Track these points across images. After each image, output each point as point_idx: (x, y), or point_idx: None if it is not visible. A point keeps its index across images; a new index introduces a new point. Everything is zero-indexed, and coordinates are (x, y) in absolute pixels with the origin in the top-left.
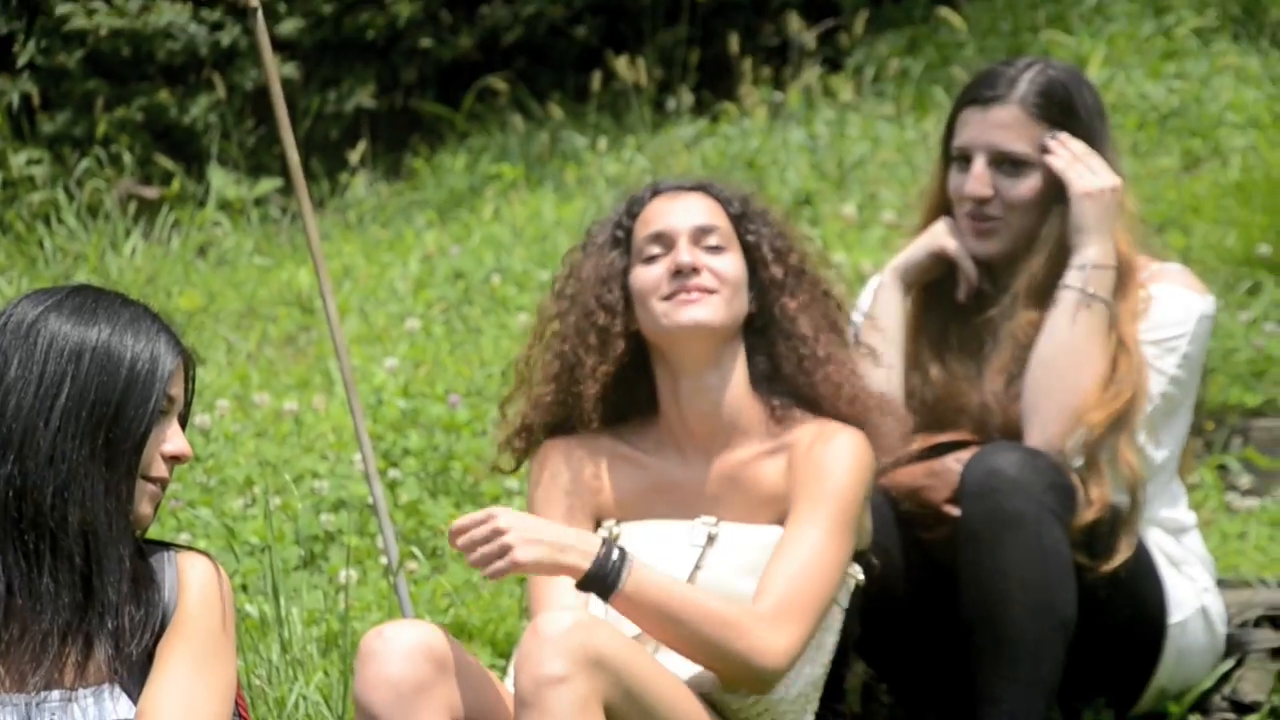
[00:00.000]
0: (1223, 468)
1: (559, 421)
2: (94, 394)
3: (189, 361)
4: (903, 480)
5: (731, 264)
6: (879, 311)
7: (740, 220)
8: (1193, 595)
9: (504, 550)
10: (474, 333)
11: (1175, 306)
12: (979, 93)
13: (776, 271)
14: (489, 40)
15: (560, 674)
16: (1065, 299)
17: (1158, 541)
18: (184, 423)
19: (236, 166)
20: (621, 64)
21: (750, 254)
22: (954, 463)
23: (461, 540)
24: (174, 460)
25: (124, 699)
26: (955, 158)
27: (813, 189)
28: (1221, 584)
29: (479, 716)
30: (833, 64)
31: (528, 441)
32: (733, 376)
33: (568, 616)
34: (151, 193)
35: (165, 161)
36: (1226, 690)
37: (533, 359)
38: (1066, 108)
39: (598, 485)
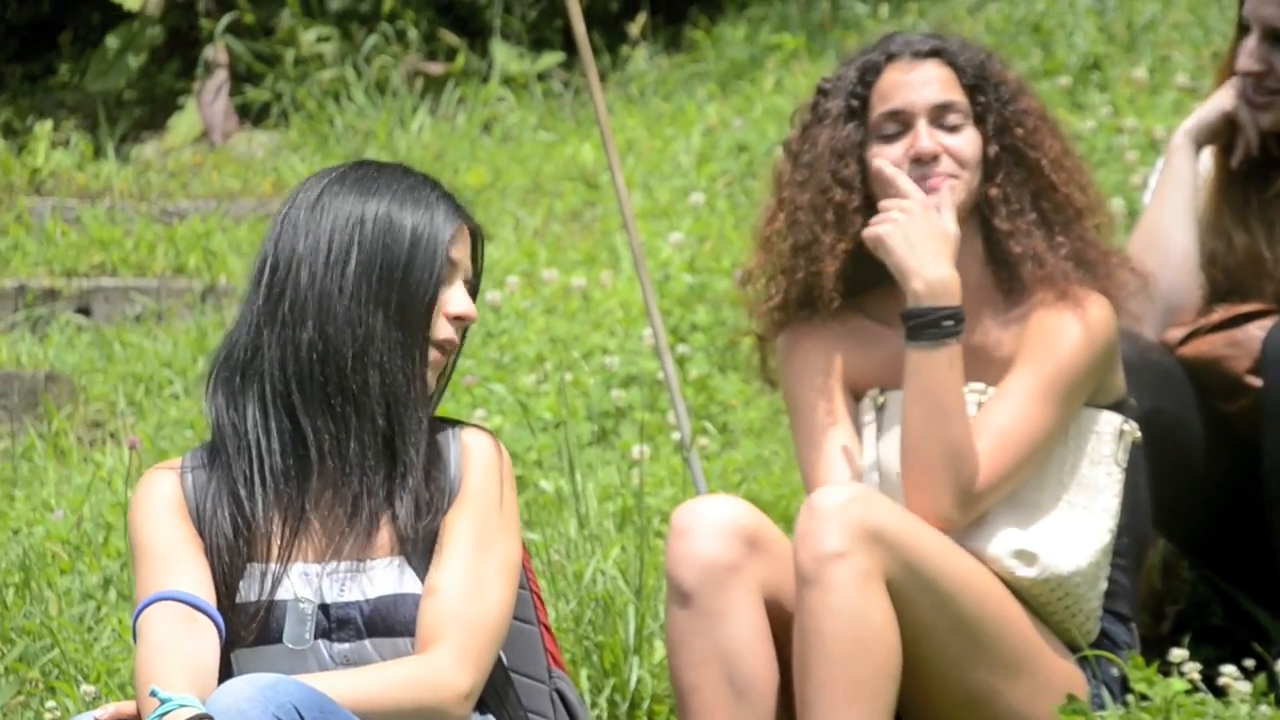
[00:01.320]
0: None
1: (802, 297)
2: (380, 259)
3: (475, 229)
4: (1202, 350)
5: (970, 142)
6: (1170, 174)
7: (975, 91)
8: None
9: None
10: (758, 206)
11: None
12: None
13: (1012, 139)
14: None
15: (838, 549)
16: None
17: None
18: (474, 292)
19: (519, 41)
20: None
21: (986, 124)
22: (1256, 331)
23: None
24: (459, 321)
25: (410, 573)
26: (1241, 26)
27: (1101, 53)
28: None
29: (788, 595)
30: None
31: (783, 313)
32: (969, 247)
33: (843, 491)
34: (436, 68)
35: (449, 37)
36: None
37: (773, 231)
38: None
39: (850, 360)
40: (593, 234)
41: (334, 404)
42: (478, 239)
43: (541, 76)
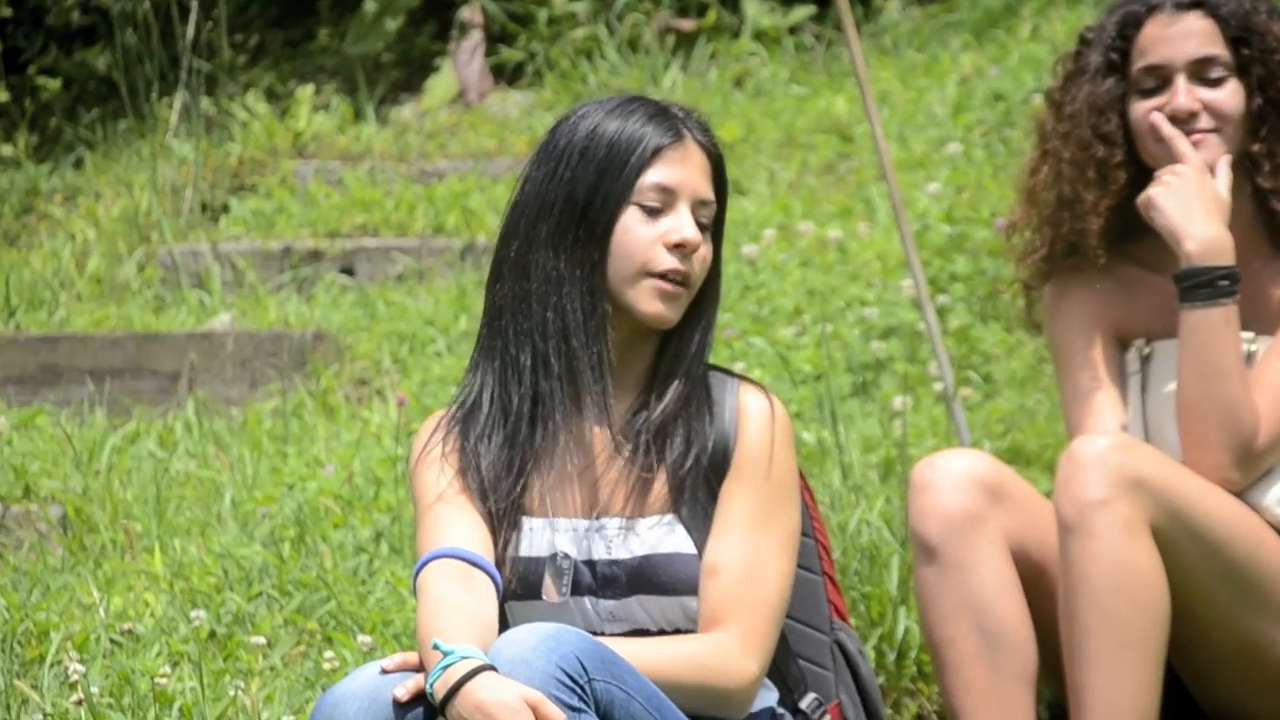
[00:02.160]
0: None
1: (1068, 250)
2: (565, 191)
3: (710, 149)
4: None
5: (1231, 96)
6: None
7: (1239, 43)
8: None
9: None
10: (1016, 155)
11: None
12: None
13: (1276, 92)
14: None
15: (1101, 497)
16: None
17: None
18: (716, 222)
19: None
20: None
21: (1250, 77)
22: None
23: None
24: (678, 249)
25: (681, 531)
26: None
27: None
28: None
29: (1035, 543)
30: None
31: (1048, 263)
32: (1235, 200)
33: (1104, 439)
34: (688, 25)
35: None
36: None
37: (1037, 183)
38: None
39: (1117, 309)
40: (847, 186)
41: (573, 347)
42: (717, 164)
43: (793, 30)
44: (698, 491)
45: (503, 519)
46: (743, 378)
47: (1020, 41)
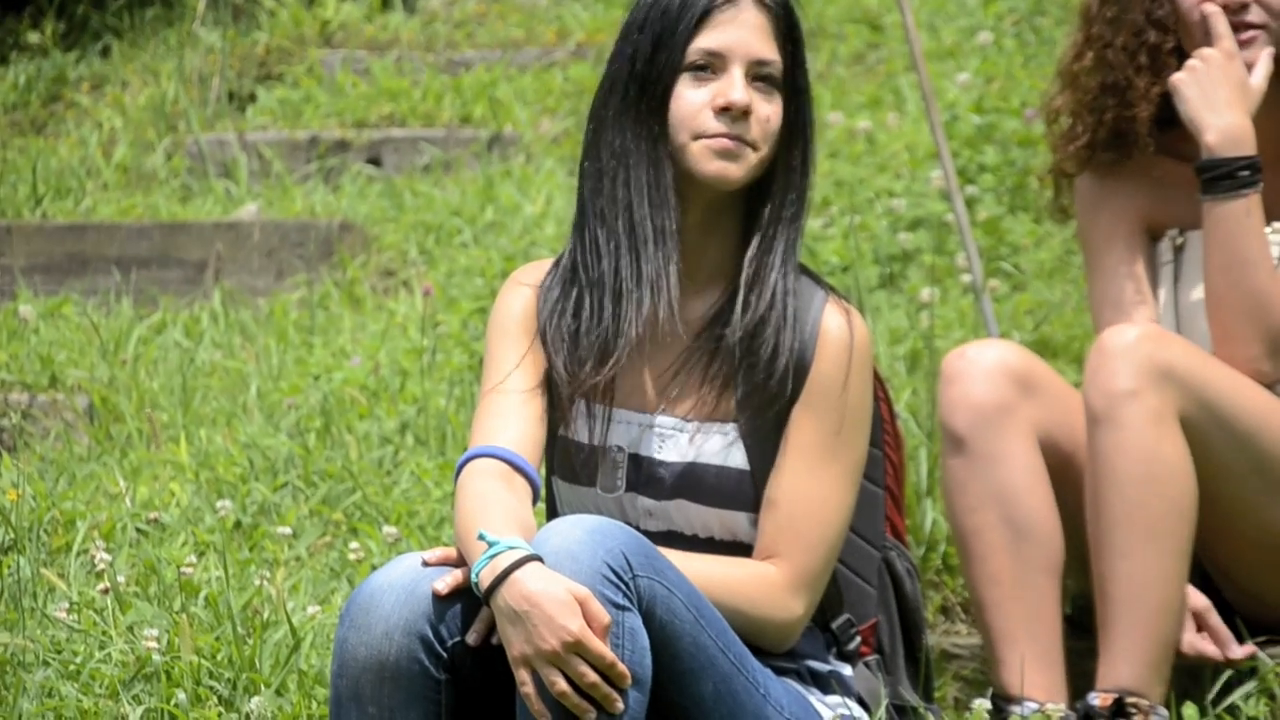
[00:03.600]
0: None
1: (1110, 138)
2: (629, 68)
3: (781, 15)
4: None
5: None
6: None
7: None
8: None
9: None
10: (1047, 44)
11: None
12: None
13: None
14: None
15: (1130, 388)
16: None
17: None
18: (790, 84)
19: None
20: None
21: None
22: None
23: None
24: (725, 112)
25: (739, 446)
26: None
27: None
28: None
29: (1064, 435)
30: None
31: (1089, 151)
32: (1274, 88)
33: (1133, 330)
34: None
35: None
36: None
37: (1081, 68)
38: None
39: (1150, 200)
40: (876, 76)
41: (638, 219)
42: (781, 19)
43: None
44: (765, 407)
45: (565, 395)
46: (831, 289)
47: None
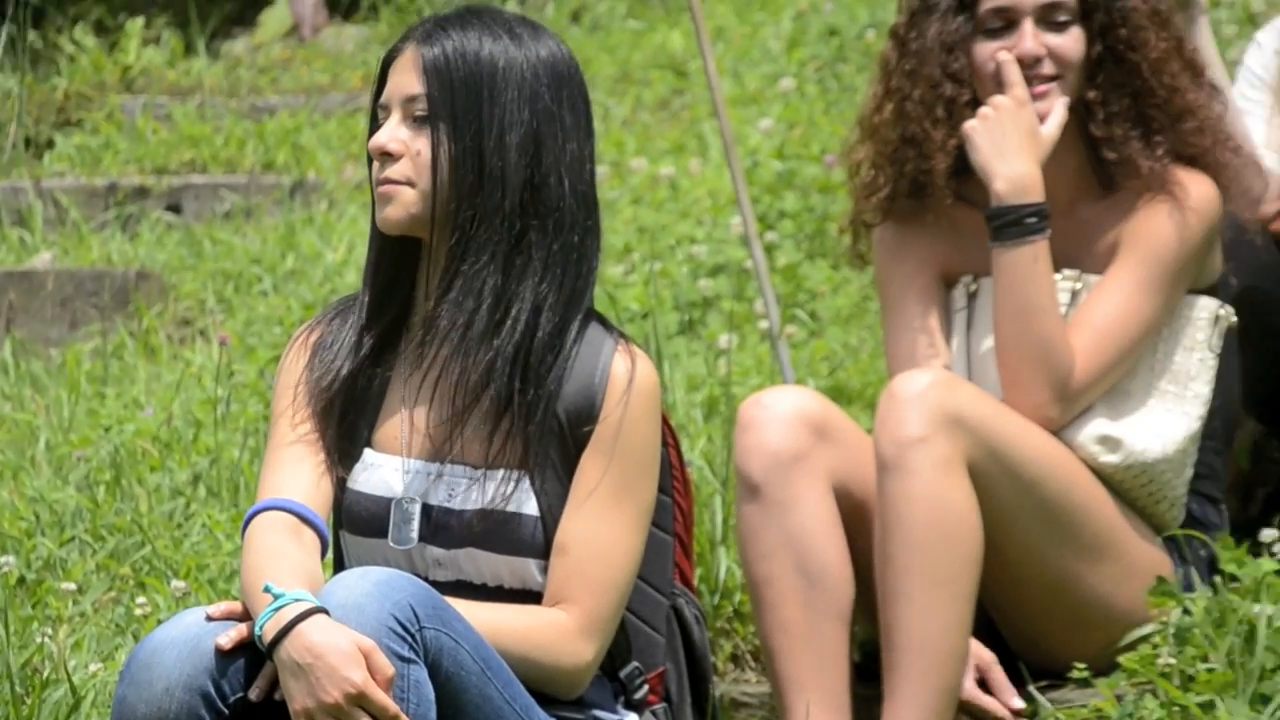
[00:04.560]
0: None
1: (911, 188)
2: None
3: (432, 55)
4: None
5: (1074, 41)
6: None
7: None
8: None
9: None
10: (849, 91)
11: None
12: None
13: (1115, 39)
14: None
15: (919, 435)
16: None
17: None
18: (443, 122)
19: None
20: None
21: (1092, 22)
22: None
23: None
24: (377, 154)
25: (527, 492)
26: None
27: None
28: None
29: (857, 482)
30: None
31: (890, 202)
32: (1070, 144)
33: (924, 376)
34: None
35: None
36: None
37: (881, 120)
38: None
39: (945, 247)
40: (681, 122)
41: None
42: (436, 63)
43: None
44: (552, 452)
45: (345, 451)
46: (621, 335)
47: None
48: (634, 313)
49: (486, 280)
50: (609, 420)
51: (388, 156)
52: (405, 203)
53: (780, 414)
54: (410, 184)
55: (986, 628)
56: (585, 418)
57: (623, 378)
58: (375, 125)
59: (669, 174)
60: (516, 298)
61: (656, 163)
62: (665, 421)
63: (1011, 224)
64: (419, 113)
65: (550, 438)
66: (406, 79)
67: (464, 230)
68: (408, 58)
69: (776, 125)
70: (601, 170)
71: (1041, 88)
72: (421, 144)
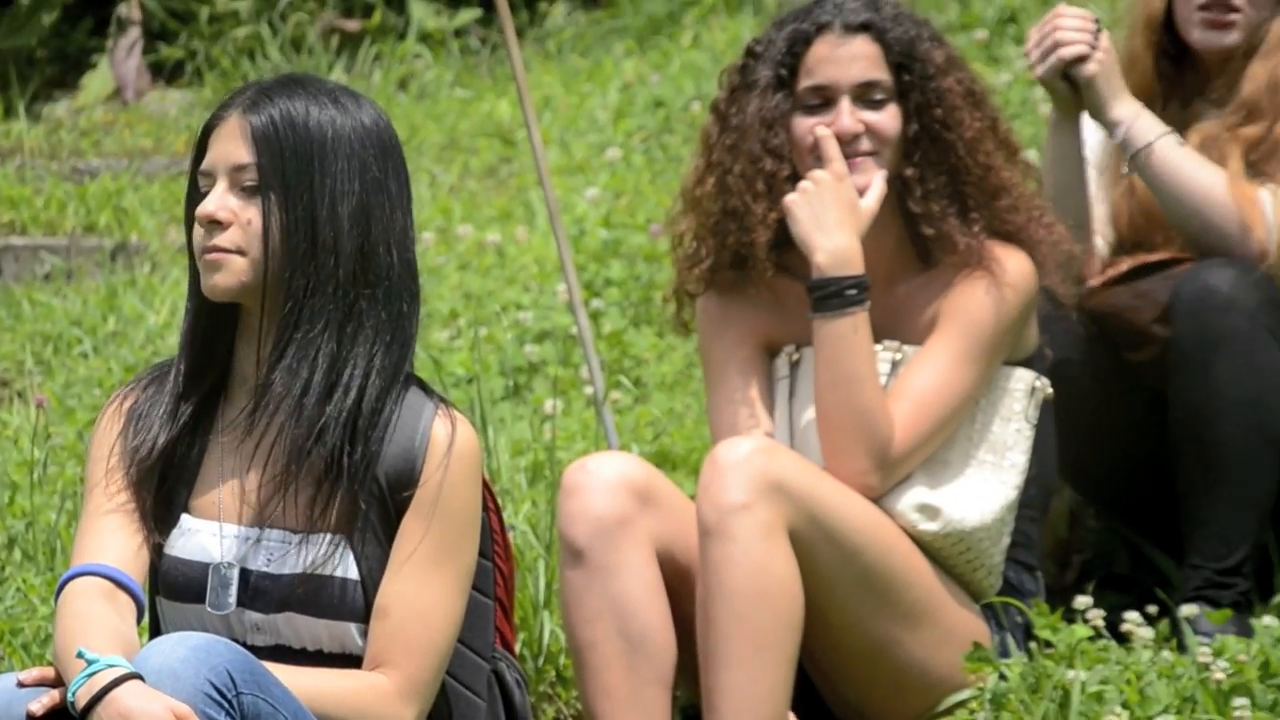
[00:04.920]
0: None
1: (733, 260)
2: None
3: (260, 124)
4: (1109, 301)
5: (891, 119)
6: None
7: (901, 69)
8: None
9: None
10: (674, 161)
11: None
12: None
13: (930, 118)
14: None
15: (741, 501)
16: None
17: None
18: (272, 192)
19: None
20: None
21: (909, 101)
22: (1161, 281)
23: None
24: (207, 224)
25: (348, 556)
26: None
27: (1016, 5)
28: None
29: (680, 548)
30: None
31: (713, 274)
32: (888, 220)
33: (746, 444)
34: (353, 25)
35: None
36: None
37: (703, 193)
38: None
39: (768, 317)
40: (508, 190)
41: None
42: (264, 131)
43: (459, 33)
44: (373, 516)
45: (161, 518)
46: (441, 399)
47: (681, 49)
48: (460, 378)
49: (321, 347)
50: (429, 484)
51: (216, 224)
52: (235, 271)
53: (604, 480)
54: (241, 252)
55: (807, 693)
56: (406, 482)
57: (443, 442)
58: (196, 191)
59: (496, 241)
60: (349, 364)
61: (483, 229)
62: (486, 486)
63: (832, 295)
64: (248, 182)
65: (371, 501)
66: (233, 147)
67: (297, 298)
68: (233, 125)
69: (603, 194)
70: (428, 236)
71: (859, 160)
72: (252, 213)
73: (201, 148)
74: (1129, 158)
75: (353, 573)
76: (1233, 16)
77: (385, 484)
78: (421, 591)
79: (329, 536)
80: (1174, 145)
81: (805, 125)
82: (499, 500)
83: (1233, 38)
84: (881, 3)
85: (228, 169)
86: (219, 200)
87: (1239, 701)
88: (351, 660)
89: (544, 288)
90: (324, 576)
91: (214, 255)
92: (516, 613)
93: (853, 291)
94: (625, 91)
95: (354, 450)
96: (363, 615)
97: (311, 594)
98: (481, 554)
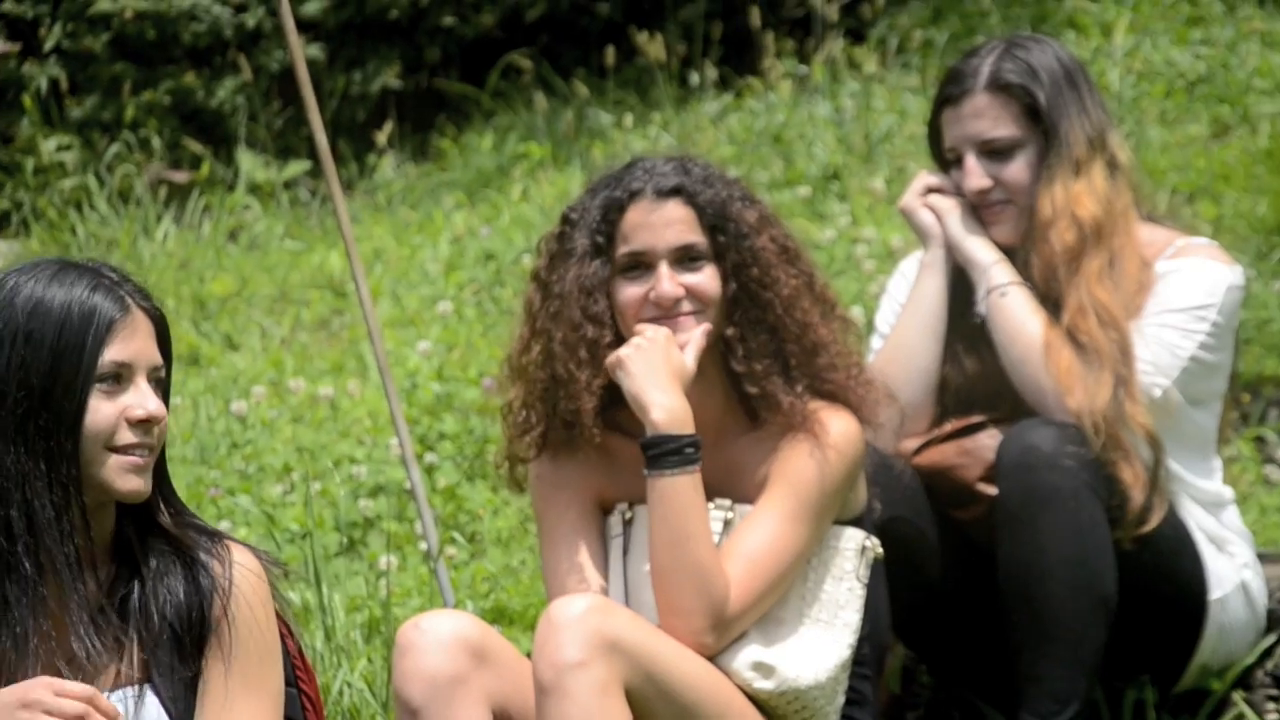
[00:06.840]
0: (1260, 440)
1: (562, 426)
2: (18, 378)
3: (156, 315)
4: (936, 459)
5: (710, 279)
6: (919, 291)
7: (715, 230)
8: (1233, 571)
9: None
10: (506, 314)
11: (1203, 277)
12: (949, 92)
13: (748, 278)
14: (512, 17)
15: (577, 659)
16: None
17: (1197, 519)
18: (166, 384)
19: (264, 149)
20: (644, 40)
21: (725, 262)
22: (987, 439)
23: None
24: (144, 424)
25: (153, 702)
26: (946, 160)
27: (840, 163)
28: (1262, 558)
29: (516, 705)
30: (856, 35)
31: (544, 438)
32: (714, 377)
33: (581, 601)
34: (181, 177)
35: (194, 145)
36: (1269, 665)
37: (530, 361)
38: (1030, 75)
39: (600, 476)
40: (340, 343)
41: (46, 546)
42: (160, 325)
43: (288, 185)
44: (173, 659)
45: None
46: (226, 537)
47: (511, 202)
48: (294, 533)
49: None
50: (224, 619)
51: (144, 423)
52: (150, 472)
53: (438, 638)
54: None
55: None
56: (199, 622)
57: (233, 571)
58: (95, 378)
59: (328, 394)
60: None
61: (316, 382)
62: (278, 613)
63: (670, 453)
64: (160, 376)
65: (164, 647)
66: (150, 347)
67: None
68: (139, 321)
69: (435, 347)
70: (259, 389)
71: (682, 319)
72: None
73: (105, 334)
74: (984, 295)
75: (160, 715)
76: (998, 209)
77: (176, 627)
78: None
79: (131, 689)
80: (1026, 296)
81: (626, 291)
82: (292, 626)
83: (1006, 230)
84: (691, 166)
85: (148, 367)
86: (156, 401)
87: None
88: None
89: (378, 441)
90: None
91: (148, 460)
92: None
93: (690, 450)
94: (456, 244)
95: (145, 602)
96: None
97: None
98: (286, 682)
